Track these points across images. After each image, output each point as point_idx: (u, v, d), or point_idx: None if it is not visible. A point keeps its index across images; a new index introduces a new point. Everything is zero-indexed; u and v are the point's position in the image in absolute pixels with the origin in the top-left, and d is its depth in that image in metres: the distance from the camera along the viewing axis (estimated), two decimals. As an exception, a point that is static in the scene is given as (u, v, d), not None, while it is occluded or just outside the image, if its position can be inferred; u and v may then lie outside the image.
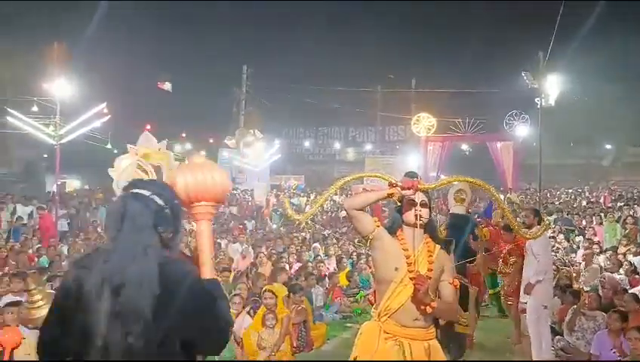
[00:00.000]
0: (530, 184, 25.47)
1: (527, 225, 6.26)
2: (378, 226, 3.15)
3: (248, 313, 6.83)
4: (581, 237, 12.94)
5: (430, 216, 3.20)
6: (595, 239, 12.18)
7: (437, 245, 3.21)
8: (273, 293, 6.67)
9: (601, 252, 10.71)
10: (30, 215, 14.67)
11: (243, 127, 27.17)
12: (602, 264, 9.65)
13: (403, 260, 3.09)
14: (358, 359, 3.12)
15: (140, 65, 31.02)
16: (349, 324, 8.45)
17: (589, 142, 36.31)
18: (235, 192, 24.13)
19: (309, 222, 18.95)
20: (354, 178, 3.62)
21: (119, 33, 30.33)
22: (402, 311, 3.06)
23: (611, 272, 8.79)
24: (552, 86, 16.60)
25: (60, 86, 13.70)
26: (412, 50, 38.48)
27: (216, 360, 5.90)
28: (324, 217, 20.50)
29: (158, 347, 1.62)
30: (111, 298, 1.61)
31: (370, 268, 10.20)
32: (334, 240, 14.06)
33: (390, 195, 3.13)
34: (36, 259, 10.21)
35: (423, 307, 2.97)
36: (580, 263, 10.14)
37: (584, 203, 20.48)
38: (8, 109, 15.15)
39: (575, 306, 6.68)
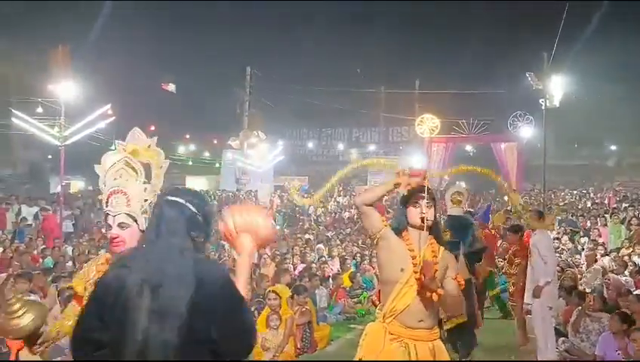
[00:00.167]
0: (534, 185, 25.41)
1: (532, 226, 6.26)
2: (386, 226, 3.16)
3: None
4: (586, 238, 12.90)
5: (435, 217, 3.20)
6: (600, 240, 12.14)
7: (441, 246, 3.22)
8: (277, 294, 6.67)
9: (606, 253, 10.67)
10: (35, 216, 14.71)
11: (247, 129, 27.20)
12: (607, 265, 9.62)
13: (409, 261, 3.09)
14: (363, 360, 3.12)
15: (145, 66, 31.14)
16: (352, 325, 8.45)
17: (594, 143, 36.20)
18: (239, 193, 24.16)
19: (313, 223, 19.00)
20: (362, 164, 3.65)
21: (124, 35, 30.40)
22: (407, 312, 3.06)
23: (617, 274, 8.76)
24: (557, 87, 16.58)
25: (65, 87, 13.73)
26: (416, 50, 38.48)
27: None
28: (328, 218, 20.51)
29: (192, 342, 1.73)
30: (151, 296, 1.73)
31: (373, 269, 10.20)
32: (338, 241, 14.05)
33: (397, 185, 3.14)
34: (41, 260, 10.24)
35: (429, 294, 2.96)
36: (583, 264, 10.13)
37: (589, 204, 20.40)
38: (13, 111, 15.19)
39: (580, 308, 6.66)
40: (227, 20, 39.20)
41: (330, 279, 9.96)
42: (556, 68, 16.62)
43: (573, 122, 29.86)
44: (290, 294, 7.20)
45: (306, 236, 14.74)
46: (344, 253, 12.40)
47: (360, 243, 13.96)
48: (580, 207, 19.84)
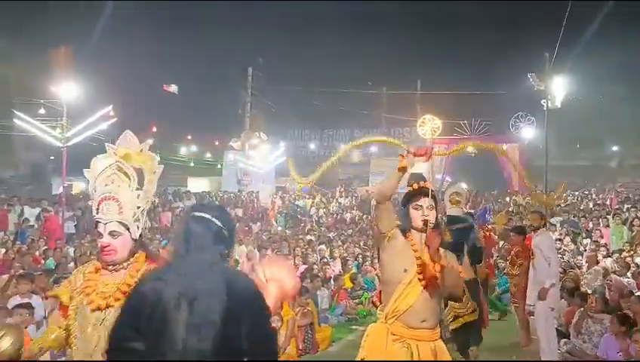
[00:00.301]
0: (536, 186, 25.34)
1: (535, 227, 6.27)
2: (397, 225, 3.17)
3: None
4: (588, 239, 12.87)
5: (437, 219, 3.20)
6: (602, 241, 12.11)
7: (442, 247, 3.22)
8: (279, 295, 6.66)
9: (608, 254, 10.64)
10: (37, 217, 14.72)
11: (248, 130, 27.22)
12: (609, 266, 9.60)
13: (413, 262, 3.09)
14: (365, 360, 3.12)
15: (146, 67, 31.10)
16: (354, 326, 8.46)
17: (596, 144, 36.12)
18: (241, 194, 24.17)
19: (315, 224, 18.99)
20: (365, 141, 3.68)
21: (126, 36, 30.45)
22: (410, 312, 3.06)
23: (619, 275, 8.75)
24: (559, 88, 16.53)
25: (67, 88, 13.75)
26: (417, 51, 38.42)
27: None
28: (330, 219, 20.51)
29: (225, 352, 1.81)
30: (188, 309, 1.80)
31: (375, 270, 10.20)
32: (340, 243, 14.05)
33: (403, 168, 3.12)
34: (42, 261, 10.24)
35: (432, 264, 2.97)
36: (584, 265, 10.11)
37: (591, 205, 20.36)
38: (15, 112, 15.22)
39: (582, 309, 6.65)
40: (229, 22, 39.24)
41: (332, 280, 9.96)
42: (558, 68, 16.58)
43: (575, 123, 29.81)
44: (292, 295, 7.20)
45: (308, 237, 14.74)
46: (346, 254, 12.40)
47: (362, 244, 13.97)
48: (582, 208, 19.80)
